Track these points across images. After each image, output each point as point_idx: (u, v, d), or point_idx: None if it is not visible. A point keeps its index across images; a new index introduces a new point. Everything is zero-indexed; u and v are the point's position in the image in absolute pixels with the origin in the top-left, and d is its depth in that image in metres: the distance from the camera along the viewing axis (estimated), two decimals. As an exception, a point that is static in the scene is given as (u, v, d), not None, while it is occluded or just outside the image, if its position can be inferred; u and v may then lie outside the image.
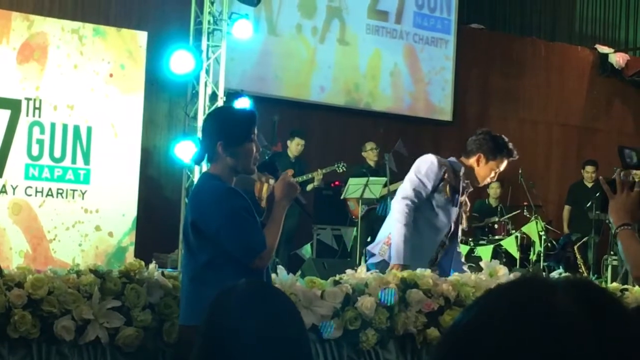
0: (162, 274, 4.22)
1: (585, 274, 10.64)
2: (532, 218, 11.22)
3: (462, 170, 5.30)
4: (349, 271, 4.72)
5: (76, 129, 8.29)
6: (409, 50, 12.62)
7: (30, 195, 8.08)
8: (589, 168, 12.13)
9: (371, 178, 10.13)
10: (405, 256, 5.09)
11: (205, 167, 4.61)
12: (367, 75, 12.28)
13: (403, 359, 4.60)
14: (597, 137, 14.15)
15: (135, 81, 8.61)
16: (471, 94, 13.30)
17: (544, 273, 9.34)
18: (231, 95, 9.74)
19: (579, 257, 11.25)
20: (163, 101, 10.55)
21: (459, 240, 5.54)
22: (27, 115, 8.08)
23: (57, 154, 8.22)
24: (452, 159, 5.40)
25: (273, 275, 4.26)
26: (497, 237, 11.27)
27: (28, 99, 8.07)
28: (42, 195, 8.13)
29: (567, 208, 12.39)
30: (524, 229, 11.23)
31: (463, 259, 5.67)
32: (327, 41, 11.97)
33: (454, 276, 4.91)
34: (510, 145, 5.32)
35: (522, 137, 12.76)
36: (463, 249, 9.93)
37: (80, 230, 8.26)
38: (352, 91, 12.21)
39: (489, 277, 4.95)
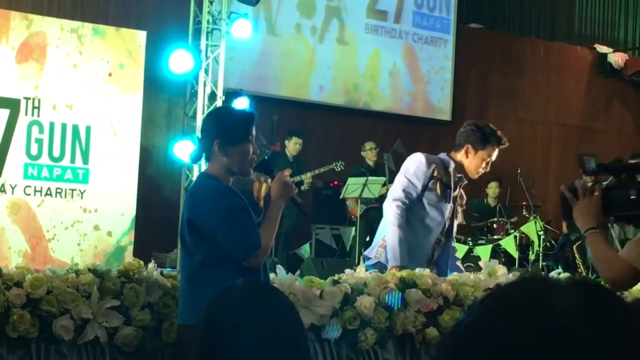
0: (161, 273, 4.22)
1: (584, 274, 10.63)
2: (531, 218, 11.23)
3: (452, 165, 5.29)
4: (348, 271, 4.72)
5: (75, 128, 8.27)
6: (408, 49, 12.62)
7: (29, 194, 8.07)
8: (588, 168, 12.12)
9: (370, 178, 10.13)
10: (402, 257, 5.10)
11: (204, 166, 4.61)
12: (366, 74, 12.28)
13: (402, 359, 4.59)
14: (596, 137, 14.15)
15: (134, 81, 8.60)
16: (470, 94, 13.31)
17: (542, 273, 9.35)
18: (230, 94, 9.73)
19: (577, 257, 11.24)
20: (162, 101, 10.55)
21: (454, 235, 5.53)
22: (26, 114, 8.06)
23: (56, 153, 8.20)
24: (442, 155, 5.38)
25: (272, 275, 4.27)
26: (495, 236, 11.27)
27: (27, 99, 8.06)
28: (41, 195, 8.12)
29: (566, 208, 12.37)
30: (523, 228, 11.23)
31: (458, 255, 5.67)
32: (326, 41, 11.97)
33: (453, 276, 4.91)
34: (499, 132, 5.27)
35: (521, 137, 12.77)
36: (461, 249, 9.95)
37: (79, 229, 8.25)
38: (351, 91, 12.21)
39: (488, 276, 4.96)
